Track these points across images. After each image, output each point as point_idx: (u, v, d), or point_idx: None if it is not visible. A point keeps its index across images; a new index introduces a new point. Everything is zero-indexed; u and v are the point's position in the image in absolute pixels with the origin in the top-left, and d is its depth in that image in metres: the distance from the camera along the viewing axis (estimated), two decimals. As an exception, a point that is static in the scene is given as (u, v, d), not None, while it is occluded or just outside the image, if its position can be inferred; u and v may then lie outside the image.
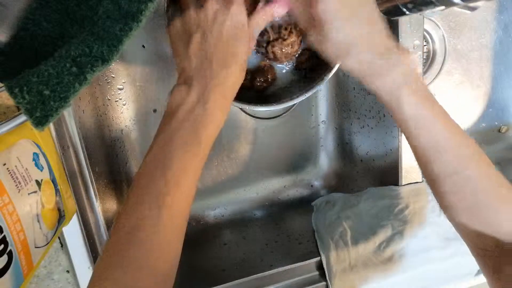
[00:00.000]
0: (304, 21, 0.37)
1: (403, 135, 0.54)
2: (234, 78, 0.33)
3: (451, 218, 0.38)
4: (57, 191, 0.40)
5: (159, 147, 0.31)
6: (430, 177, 0.38)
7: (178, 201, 0.30)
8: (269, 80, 0.49)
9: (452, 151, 0.35)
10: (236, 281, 0.52)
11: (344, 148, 0.72)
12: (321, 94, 0.70)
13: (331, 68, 0.44)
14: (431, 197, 0.55)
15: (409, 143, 0.38)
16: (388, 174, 0.58)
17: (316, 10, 0.33)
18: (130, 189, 0.31)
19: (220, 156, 0.68)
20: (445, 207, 0.38)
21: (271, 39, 0.45)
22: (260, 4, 0.37)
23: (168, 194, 0.30)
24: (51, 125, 0.42)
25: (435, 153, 0.36)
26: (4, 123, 0.34)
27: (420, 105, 0.34)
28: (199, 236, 0.65)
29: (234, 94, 0.35)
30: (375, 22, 0.34)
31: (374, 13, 0.34)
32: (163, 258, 0.30)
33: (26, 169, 0.35)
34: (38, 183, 0.37)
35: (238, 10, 0.33)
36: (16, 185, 0.33)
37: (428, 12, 0.28)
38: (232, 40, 0.33)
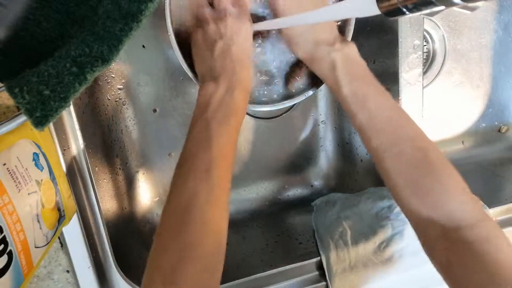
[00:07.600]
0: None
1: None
2: (250, 76, 0.41)
3: (400, 203, 0.39)
4: (57, 191, 0.40)
5: (198, 132, 0.37)
6: (372, 153, 0.40)
7: (222, 176, 0.35)
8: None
9: (388, 128, 0.39)
10: (236, 281, 0.52)
11: (344, 148, 0.72)
12: (321, 94, 0.70)
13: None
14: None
15: (351, 122, 0.41)
16: (388, 174, 0.58)
17: (272, 6, 0.42)
18: (176, 169, 0.36)
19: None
20: (391, 188, 0.39)
21: None
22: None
23: (212, 169, 0.34)
24: (51, 125, 0.43)
25: (372, 130, 0.39)
26: (4, 123, 0.34)
27: (355, 84, 0.40)
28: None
29: (250, 90, 0.42)
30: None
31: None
32: (214, 238, 0.33)
33: (26, 169, 0.35)
34: (38, 183, 0.37)
35: (247, 22, 0.41)
36: (16, 185, 0.33)
37: (428, 12, 0.28)
38: (245, 46, 0.41)
